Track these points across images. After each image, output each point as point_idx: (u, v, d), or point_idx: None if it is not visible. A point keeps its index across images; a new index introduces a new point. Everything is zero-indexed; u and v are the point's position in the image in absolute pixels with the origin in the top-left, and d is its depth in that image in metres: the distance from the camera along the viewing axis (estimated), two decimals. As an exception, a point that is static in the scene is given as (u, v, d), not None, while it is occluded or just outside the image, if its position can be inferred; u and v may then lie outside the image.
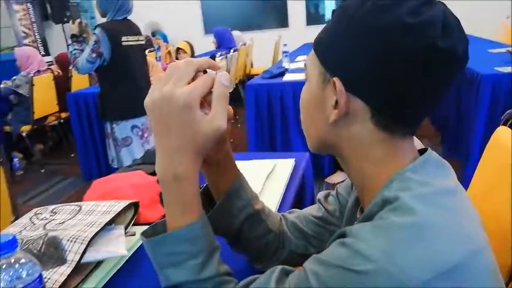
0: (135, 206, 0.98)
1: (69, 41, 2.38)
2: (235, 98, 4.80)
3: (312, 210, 0.74)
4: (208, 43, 5.39)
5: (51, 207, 0.97)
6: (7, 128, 3.63)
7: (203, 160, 0.51)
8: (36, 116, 3.65)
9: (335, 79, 0.47)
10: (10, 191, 1.49)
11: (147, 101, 0.48)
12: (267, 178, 1.17)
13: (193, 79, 0.49)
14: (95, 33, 2.18)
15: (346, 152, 0.51)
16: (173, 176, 0.48)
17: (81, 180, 3.37)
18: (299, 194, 1.21)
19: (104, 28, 2.19)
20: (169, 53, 4.12)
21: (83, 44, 2.27)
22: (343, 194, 0.70)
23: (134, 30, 2.36)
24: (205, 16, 7.12)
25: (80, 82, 3.93)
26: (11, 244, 0.51)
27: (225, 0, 6.93)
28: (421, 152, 0.51)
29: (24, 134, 3.63)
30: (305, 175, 1.31)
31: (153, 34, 6.57)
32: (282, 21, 6.80)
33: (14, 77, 3.56)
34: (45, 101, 3.74)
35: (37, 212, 0.95)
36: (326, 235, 0.69)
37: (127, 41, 2.27)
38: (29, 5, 7.03)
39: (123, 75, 2.26)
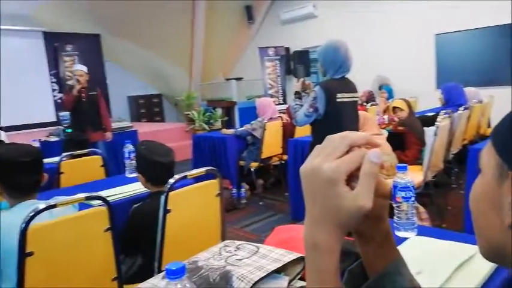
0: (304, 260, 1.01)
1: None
2: (460, 160, 4.24)
3: None
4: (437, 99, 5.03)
5: (238, 242, 1.12)
6: (241, 163, 4.40)
7: (358, 235, 0.50)
8: (264, 155, 4.27)
9: None
10: (222, 218, 1.79)
11: (301, 168, 0.51)
12: (459, 266, 0.99)
13: (347, 153, 0.49)
14: (314, 90, 2.43)
15: None
16: (312, 245, 0.49)
17: (289, 218, 3.67)
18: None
19: (322, 86, 2.40)
20: (387, 108, 4.07)
21: (304, 100, 2.54)
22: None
23: (350, 88, 2.48)
24: (440, 70, 6.71)
25: (302, 130, 4.36)
26: (180, 272, 0.63)
27: (465, 52, 6.36)
28: None
29: (252, 169, 4.29)
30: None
31: (380, 88, 6.64)
32: (538, 75, 5.65)
33: (252, 122, 4.34)
34: (272, 144, 4.35)
35: (226, 244, 1.11)
36: None
37: (342, 97, 2.41)
38: (277, 61, 8.44)
39: (333, 129, 2.35)
